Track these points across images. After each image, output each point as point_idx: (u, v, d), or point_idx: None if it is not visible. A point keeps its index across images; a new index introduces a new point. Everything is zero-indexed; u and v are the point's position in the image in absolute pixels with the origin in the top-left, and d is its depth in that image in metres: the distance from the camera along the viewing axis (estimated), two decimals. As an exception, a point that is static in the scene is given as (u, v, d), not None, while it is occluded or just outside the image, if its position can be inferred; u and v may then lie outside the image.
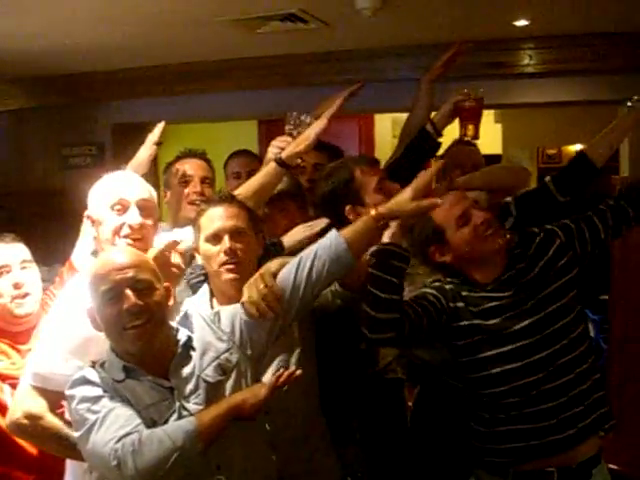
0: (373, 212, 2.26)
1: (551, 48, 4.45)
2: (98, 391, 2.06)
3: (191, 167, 3.38)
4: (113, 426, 1.99)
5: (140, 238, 2.43)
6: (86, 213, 2.54)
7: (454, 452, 2.74)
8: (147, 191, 2.54)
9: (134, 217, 2.43)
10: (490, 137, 6.94)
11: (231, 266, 2.40)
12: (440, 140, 3.04)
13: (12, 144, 5.93)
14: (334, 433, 2.59)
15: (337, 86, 4.17)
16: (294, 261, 2.26)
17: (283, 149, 2.86)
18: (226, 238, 2.42)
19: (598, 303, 4.69)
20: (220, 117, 5.65)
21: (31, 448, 2.66)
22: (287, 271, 2.26)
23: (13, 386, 2.57)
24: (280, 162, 2.78)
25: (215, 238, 2.44)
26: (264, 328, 2.25)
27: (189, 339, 2.17)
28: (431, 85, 3.24)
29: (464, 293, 2.50)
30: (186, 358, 2.15)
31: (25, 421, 2.34)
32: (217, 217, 2.46)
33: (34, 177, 5.80)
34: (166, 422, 2.03)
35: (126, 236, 2.42)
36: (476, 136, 3.01)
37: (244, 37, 4.29)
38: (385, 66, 4.59)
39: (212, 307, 2.45)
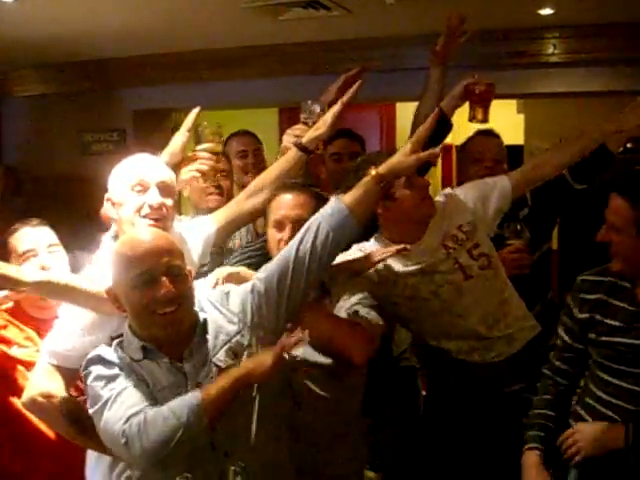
0: (373, 172, 2.23)
1: (576, 37, 4.40)
2: (114, 370, 2.07)
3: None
4: (124, 405, 2.00)
5: (160, 218, 2.44)
6: (106, 196, 2.55)
7: (466, 441, 2.74)
8: (167, 173, 2.55)
9: (154, 197, 2.44)
10: (512, 128, 6.88)
11: None
12: (451, 122, 3.01)
13: (33, 130, 5.95)
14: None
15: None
16: (297, 235, 2.22)
17: (298, 137, 2.86)
18: (288, 227, 2.45)
19: None
20: (241, 104, 5.62)
21: (51, 434, 2.66)
22: (289, 246, 2.21)
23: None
24: (301, 147, 2.78)
25: (279, 225, 2.48)
26: (270, 309, 2.20)
27: (205, 322, 2.16)
28: (440, 71, 3.19)
29: None
30: (201, 342, 2.14)
31: (41, 399, 2.36)
32: (284, 204, 2.50)
33: (55, 163, 5.81)
34: None
35: (146, 216, 2.43)
36: (485, 119, 2.98)
37: (267, 24, 4.28)
38: (407, 54, 4.55)
39: None
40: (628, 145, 6.11)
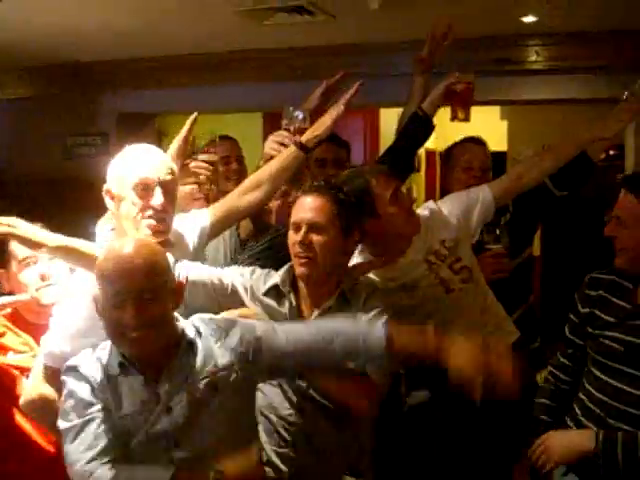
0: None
1: (559, 45, 4.43)
2: (85, 390, 2.04)
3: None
4: (84, 443, 1.99)
5: (163, 219, 2.42)
6: (105, 187, 2.49)
7: (447, 447, 2.74)
8: (170, 169, 2.49)
9: (158, 199, 2.40)
10: (496, 134, 6.92)
11: (303, 260, 2.41)
12: (433, 122, 3.02)
13: (16, 133, 5.92)
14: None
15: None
16: (324, 331, 2.16)
17: (282, 144, 2.88)
18: (303, 229, 2.42)
19: None
20: (225, 109, 5.63)
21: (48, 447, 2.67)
22: (318, 339, 2.14)
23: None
24: (300, 145, 2.78)
25: (296, 227, 2.45)
26: (267, 364, 2.15)
27: (191, 344, 2.10)
28: (424, 78, 3.21)
29: None
30: (183, 365, 2.07)
31: (38, 402, 2.37)
32: (302, 206, 2.47)
33: (38, 166, 5.79)
34: (144, 431, 2.01)
35: (149, 217, 2.40)
36: (467, 118, 3.00)
37: (251, 29, 4.28)
38: (391, 60, 4.57)
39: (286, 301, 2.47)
40: (611, 152, 6.17)
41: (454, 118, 2.98)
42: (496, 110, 7.08)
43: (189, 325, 2.14)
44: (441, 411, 2.78)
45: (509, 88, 4.67)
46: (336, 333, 2.13)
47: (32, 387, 2.42)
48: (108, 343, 2.12)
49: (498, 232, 2.92)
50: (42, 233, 2.29)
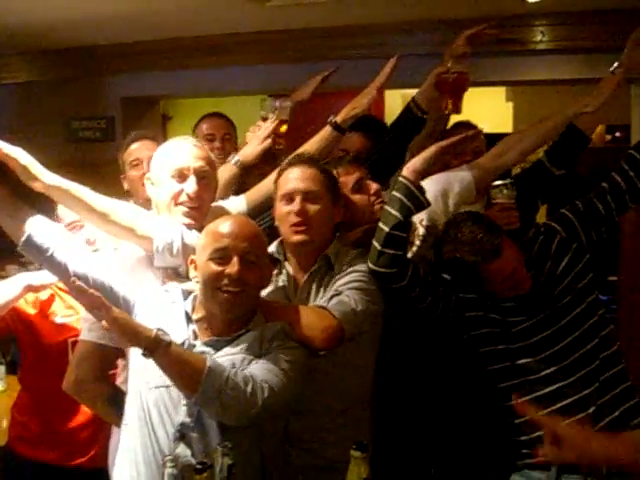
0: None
1: (564, 25, 4.40)
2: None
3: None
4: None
5: (197, 207, 2.49)
6: (146, 175, 2.62)
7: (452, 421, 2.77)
8: (206, 159, 2.58)
9: (191, 186, 2.48)
10: (501, 115, 6.89)
11: (300, 228, 2.44)
12: (424, 116, 3.00)
13: (21, 117, 5.92)
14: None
15: (347, 60, 4.17)
16: None
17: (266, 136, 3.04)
18: (298, 199, 2.45)
19: (606, 284, 4.68)
20: (229, 92, 5.62)
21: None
22: None
23: (76, 343, 2.66)
24: (335, 126, 2.86)
25: (288, 198, 2.48)
26: None
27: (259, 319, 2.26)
28: (456, 61, 3.16)
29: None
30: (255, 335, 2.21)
31: (79, 385, 2.49)
32: (293, 178, 2.50)
33: (43, 150, 5.74)
34: None
35: (182, 203, 2.49)
36: (457, 110, 2.95)
37: (254, 11, 4.26)
38: (395, 41, 4.54)
39: (281, 271, 2.53)
40: (617, 134, 6.14)
41: (445, 109, 2.94)
42: (501, 91, 7.04)
43: None
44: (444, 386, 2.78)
45: (514, 69, 4.64)
46: None
47: (74, 369, 2.52)
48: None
49: (504, 186, 2.90)
50: (41, 169, 2.33)
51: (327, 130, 2.89)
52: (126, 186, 3.42)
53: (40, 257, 2.33)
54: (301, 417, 2.42)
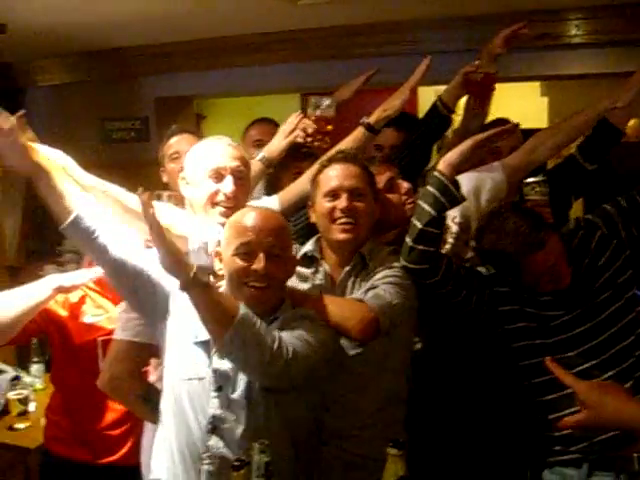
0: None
1: (599, 18, 4.33)
2: None
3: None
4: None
5: (233, 207, 2.51)
6: (181, 174, 2.65)
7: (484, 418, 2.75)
8: (242, 159, 2.61)
9: (229, 186, 2.51)
10: (536, 111, 6.82)
11: (348, 226, 2.44)
12: (450, 115, 2.98)
13: (56, 119, 5.98)
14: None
15: (379, 58, 4.16)
16: None
17: (307, 134, 3.00)
18: (344, 196, 2.45)
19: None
20: (263, 90, 5.62)
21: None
22: None
23: (107, 342, 2.72)
24: (367, 127, 2.86)
25: (332, 195, 2.48)
26: None
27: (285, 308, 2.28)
28: (493, 60, 3.12)
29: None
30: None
31: (113, 382, 2.54)
32: (337, 175, 2.51)
33: (78, 151, 5.81)
34: None
35: (218, 203, 2.52)
36: (482, 110, 2.93)
37: (286, 9, 4.25)
38: (428, 38, 4.50)
39: (318, 269, 2.53)
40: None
41: (472, 109, 2.92)
42: (536, 86, 6.97)
43: None
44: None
45: (549, 63, 4.58)
46: None
47: (108, 367, 2.57)
48: None
49: (537, 183, 2.87)
50: (79, 172, 2.42)
51: (360, 131, 2.89)
52: (165, 179, 3.45)
53: (84, 239, 2.34)
54: (335, 415, 2.42)
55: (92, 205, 2.37)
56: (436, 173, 2.41)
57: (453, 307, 2.54)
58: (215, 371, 2.21)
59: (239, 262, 2.19)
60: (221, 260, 2.28)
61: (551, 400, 2.41)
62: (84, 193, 2.37)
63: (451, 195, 2.38)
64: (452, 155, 2.43)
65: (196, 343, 2.26)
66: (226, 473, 1.95)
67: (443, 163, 2.42)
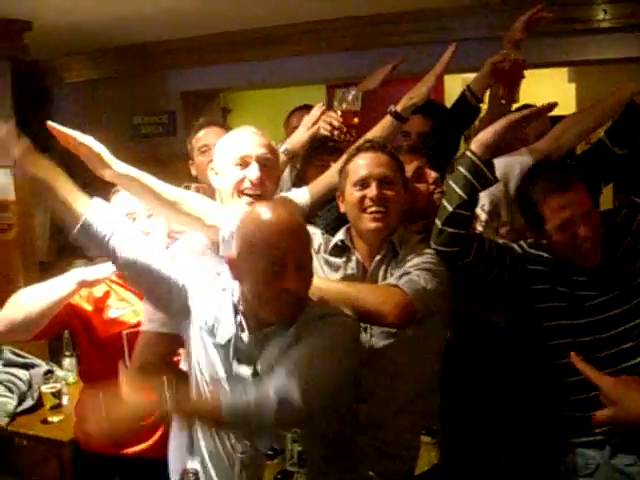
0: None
1: (627, 1, 4.28)
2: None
3: None
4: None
5: (260, 194, 2.52)
6: (210, 165, 2.66)
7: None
8: (268, 147, 2.61)
9: (254, 172, 2.52)
10: (563, 97, 6.76)
11: (378, 215, 2.42)
12: (479, 105, 2.96)
13: (84, 115, 6.02)
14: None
15: (404, 47, 4.14)
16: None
17: (333, 126, 2.99)
18: (374, 185, 2.43)
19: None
20: (288, 82, 5.63)
21: None
22: None
23: (133, 335, 2.71)
24: (395, 115, 2.85)
25: (362, 184, 2.46)
26: None
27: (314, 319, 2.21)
28: (515, 46, 3.10)
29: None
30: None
31: (145, 369, 2.49)
32: (366, 164, 2.48)
33: (106, 147, 5.86)
34: None
35: (244, 190, 2.52)
36: (513, 99, 2.89)
37: (310, 0, 4.26)
38: (453, 25, 4.50)
39: (350, 258, 2.51)
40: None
41: (501, 98, 2.88)
42: (564, 72, 6.91)
43: None
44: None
45: (576, 49, 4.54)
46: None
47: (137, 358, 2.54)
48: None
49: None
50: (112, 157, 2.38)
51: (387, 119, 2.88)
52: (194, 172, 3.47)
53: (95, 244, 2.35)
54: (369, 404, 2.43)
55: (103, 208, 2.38)
56: (468, 153, 2.34)
57: (485, 285, 2.52)
58: (236, 376, 2.20)
59: (272, 281, 2.08)
60: (234, 270, 2.21)
61: (576, 382, 2.37)
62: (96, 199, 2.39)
63: (483, 177, 2.33)
64: (485, 135, 2.36)
65: (215, 345, 2.25)
66: (259, 462, 1.96)
67: (475, 143, 2.35)
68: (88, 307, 2.91)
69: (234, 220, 2.39)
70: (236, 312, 2.23)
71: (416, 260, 2.40)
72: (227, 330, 2.21)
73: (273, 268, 2.07)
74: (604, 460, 2.41)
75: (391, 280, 2.39)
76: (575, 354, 1.86)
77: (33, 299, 2.75)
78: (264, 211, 2.14)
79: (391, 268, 2.47)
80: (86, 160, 2.37)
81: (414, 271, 2.36)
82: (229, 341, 2.20)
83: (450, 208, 2.33)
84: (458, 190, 2.33)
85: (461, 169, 2.34)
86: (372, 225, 2.43)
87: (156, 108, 5.86)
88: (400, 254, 2.47)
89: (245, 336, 2.20)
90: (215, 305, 2.26)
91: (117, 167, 2.37)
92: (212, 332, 2.24)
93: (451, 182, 2.35)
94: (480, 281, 2.50)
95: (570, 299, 2.43)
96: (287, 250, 2.08)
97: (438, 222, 2.37)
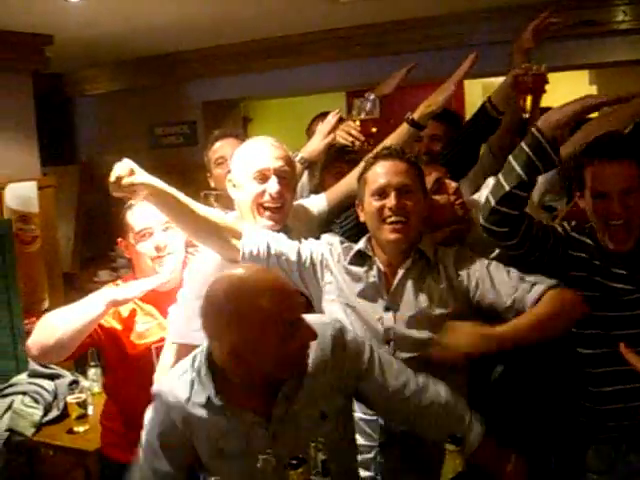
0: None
1: (646, 3, 4.27)
2: (160, 422, 2.10)
3: None
4: None
5: (279, 207, 2.53)
6: (228, 177, 2.65)
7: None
8: (286, 159, 2.61)
9: (274, 186, 2.52)
10: (585, 99, 6.71)
11: (398, 225, 2.36)
12: (499, 117, 2.93)
13: (105, 127, 6.07)
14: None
15: (422, 53, 4.14)
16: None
17: (352, 135, 2.97)
18: (393, 194, 2.37)
19: None
20: (308, 90, 5.65)
21: None
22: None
23: (159, 349, 2.73)
24: (412, 123, 2.83)
25: (380, 193, 2.41)
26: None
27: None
28: (524, 54, 3.10)
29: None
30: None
31: None
32: (384, 172, 2.42)
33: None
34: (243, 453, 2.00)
35: (264, 203, 2.53)
36: (532, 112, 2.87)
37: (328, 8, 4.27)
38: (472, 30, 4.48)
39: (371, 267, 2.45)
40: None
41: (522, 111, 2.86)
42: (584, 75, 6.87)
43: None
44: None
45: (597, 51, 4.51)
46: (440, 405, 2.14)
47: (162, 370, 2.55)
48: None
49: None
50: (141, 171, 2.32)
51: (404, 127, 2.84)
52: (212, 184, 3.48)
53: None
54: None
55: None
56: (534, 129, 2.23)
57: (525, 265, 2.43)
58: None
59: (290, 343, 1.92)
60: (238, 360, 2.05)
61: (600, 374, 2.35)
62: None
63: (547, 158, 2.23)
64: (553, 113, 2.27)
65: None
66: (285, 471, 1.94)
67: (544, 120, 2.24)
68: (118, 326, 2.91)
69: (255, 237, 2.40)
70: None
71: (479, 263, 2.41)
72: None
73: (291, 330, 1.91)
74: (619, 457, 2.38)
75: (501, 298, 2.34)
76: (624, 344, 1.83)
77: (64, 322, 2.72)
78: (245, 279, 1.94)
79: (424, 279, 2.41)
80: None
81: (512, 272, 2.36)
82: None
83: (507, 187, 2.24)
84: (518, 169, 2.24)
85: (524, 146, 2.24)
86: (392, 236, 2.38)
87: (177, 118, 5.90)
88: (440, 268, 2.42)
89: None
90: None
91: (142, 178, 2.28)
92: None
93: (512, 159, 2.25)
94: (523, 261, 2.42)
95: (605, 290, 2.36)
96: (294, 306, 1.95)
97: (492, 200, 2.28)
